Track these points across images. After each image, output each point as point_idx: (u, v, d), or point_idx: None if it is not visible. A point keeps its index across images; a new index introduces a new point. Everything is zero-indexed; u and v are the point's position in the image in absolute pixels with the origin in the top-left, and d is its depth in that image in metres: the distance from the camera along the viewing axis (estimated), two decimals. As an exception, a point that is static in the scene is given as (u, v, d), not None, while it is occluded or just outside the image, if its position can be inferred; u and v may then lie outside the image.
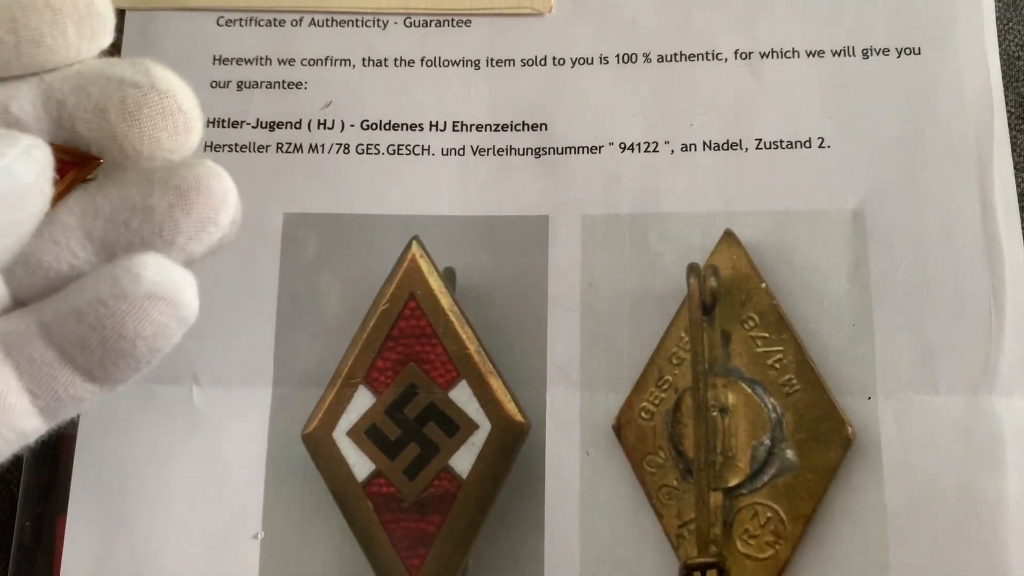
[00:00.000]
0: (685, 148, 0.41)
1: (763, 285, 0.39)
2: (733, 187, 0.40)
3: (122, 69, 0.24)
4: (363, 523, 0.39)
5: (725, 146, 0.41)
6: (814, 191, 0.40)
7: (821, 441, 0.37)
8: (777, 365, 0.38)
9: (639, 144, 0.41)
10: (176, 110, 0.24)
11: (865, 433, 0.37)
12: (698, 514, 0.37)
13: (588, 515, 0.38)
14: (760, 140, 0.40)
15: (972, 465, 0.36)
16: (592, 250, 0.40)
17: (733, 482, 0.37)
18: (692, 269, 0.39)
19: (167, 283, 0.23)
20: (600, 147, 0.41)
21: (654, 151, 0.41)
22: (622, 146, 0.41)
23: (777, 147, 0.40)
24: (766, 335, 0.38)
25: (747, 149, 0.40)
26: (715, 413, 0.38)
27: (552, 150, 0.41)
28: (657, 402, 0.39)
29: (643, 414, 0.39)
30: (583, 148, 0.41)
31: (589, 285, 0.40)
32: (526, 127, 0.42)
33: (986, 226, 0.38)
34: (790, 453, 0.37)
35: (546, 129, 0.41)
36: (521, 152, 0.41)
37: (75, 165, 0.23)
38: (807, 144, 0.40)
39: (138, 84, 0.24)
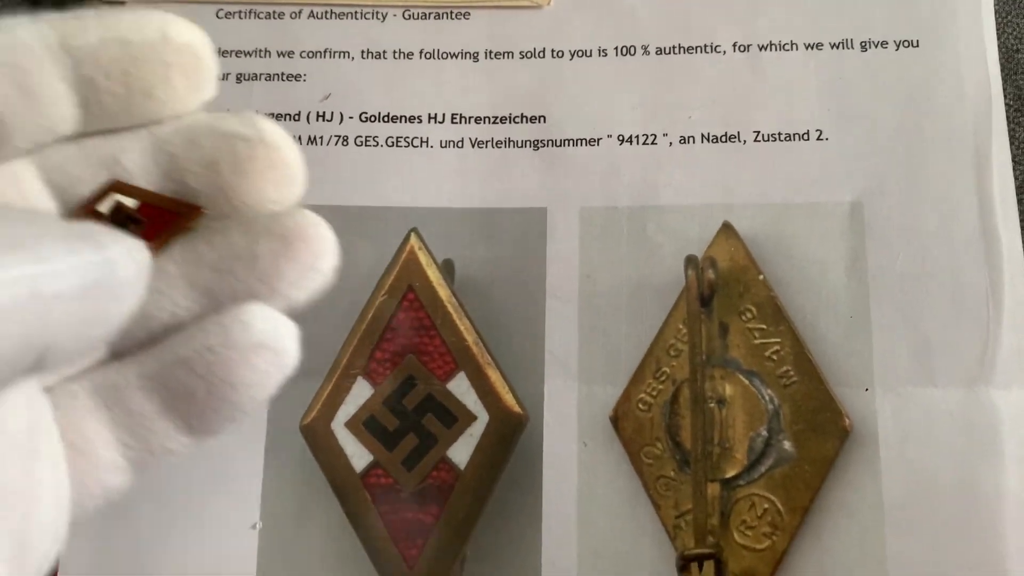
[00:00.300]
0: (683, 140, 0.41)
1: (761, 277, 0.39)
2: (731, 179, 0.40)
3: (231, 123, 0.24)
4: (361, 514, 0.39)
5: (723, 138, 0.41)
6: (812, 184, 0.40)
7: (818, 433, 0.37)
8: (775, 357, 0.38)
9: (638, 136, 0.41)
10: (282, 163, 0.24)
11: (862, 425, 0.37)
12: (695, 505, 0.37)
13: (586, 506, 0.38)
14: (758, 132, 0.41)
15: (970, 457, 0.36)
16: (590, 242, 0.40)
17: (730, 473, 0.37)
18: (690, 261, 0.39)
19: (273, 332, 0.23)
20: (599, 139, 0.41)
21: (652, 143, 0.41)
22: (620, 138, 0.41)
23: (775, 139, 0.40)
24: (764, 327, 0.38)
25: (745, 141, 0.40)
26: (712, 404, 0.38)
27: (551, 142, 0.41)
28: (655, 394, 0.39)
29: (641, 405, 0.39)
30: (582, 140, 0.41)
31: (587, 277, 0.40)
32: (525, 119, 0.42)
33: (984, 219, 0.38)
34: (787, 444, 0.37)
35: (545, 121, 0.41)
36: (520, 144, 0.41)
37: (179, 215, 0.24)
38: (805, 137, 0.40)
39: (247, 138, 0.24)
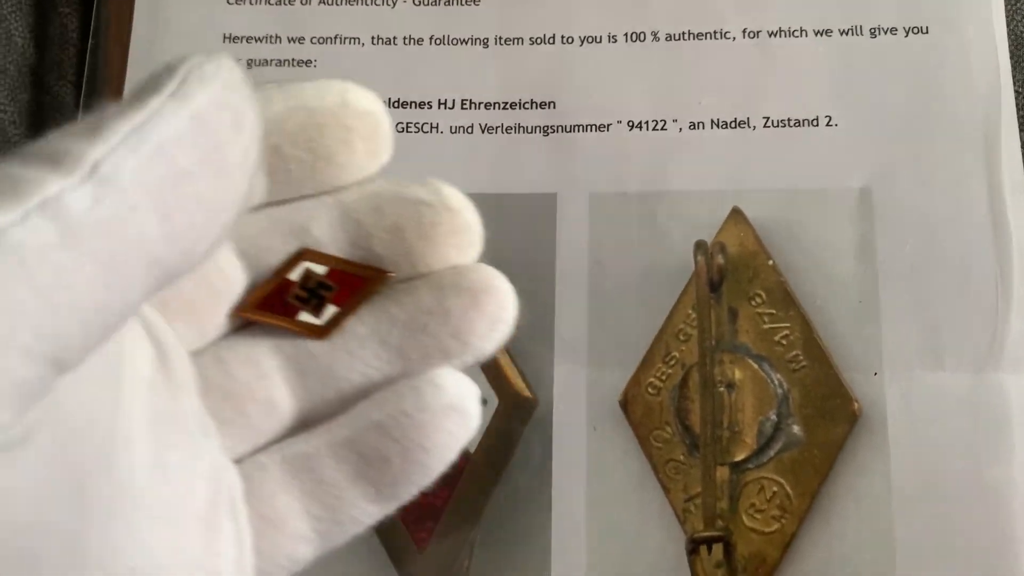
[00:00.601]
0: (693, 126, 0.41)
1: (770, 262, 0.39)
2: (741, 165, 0.40)
3: (416, 190, 0.25)
4: (371, 497, 0.39)
5: (733, 124, 0.41)
6: (821, 169, 0.40)
7: (827, 417, 0.37)
8: (784, 341, 0.38)
9: (647, 122, 0.41)
10: (465, 228, 0.25)
11: (871, 409, 0.37)
12: (704, 488, 0.37)
13: (595, 490, 0.38)
14: (768, 119, 0.41)
15: (978, 441, 0.37)
16: (600, 227, 0.40)
17: (739, 457, 0.38)
18: (699, 246, 0.39)
19: (463, 395, 0.24)
20: (608, 125, 0.41)
21: (662, 129, 0.41)
22: (630, 124, 0.41)
23: (785, 125, 0.40)
24: (773, 312, 0.39)
25: (755, 127, 0.41)
26: (722, 389, 0.38)
27: (560, 128, 0.41)
28: (664, 378, 0.39)
29: (650, 390, 0.39)
30: (591, 126, 0.41)
31: (597, 262, 0.40)
32: (534, 105, 0.42)
33: (993, 204, 0.39)
34: (796, 428, 0.38)
35: (554, 107, 0.42)
36: (529, 130, 0.41)
37: (368, 279, 0.24)
38: (814, 123, 0.40)
39: (431, 203, 0.24)
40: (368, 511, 0.24)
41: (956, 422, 0.37)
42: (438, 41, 0.43)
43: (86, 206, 0.18)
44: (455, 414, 0.24)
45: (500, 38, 0.43)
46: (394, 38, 0.43)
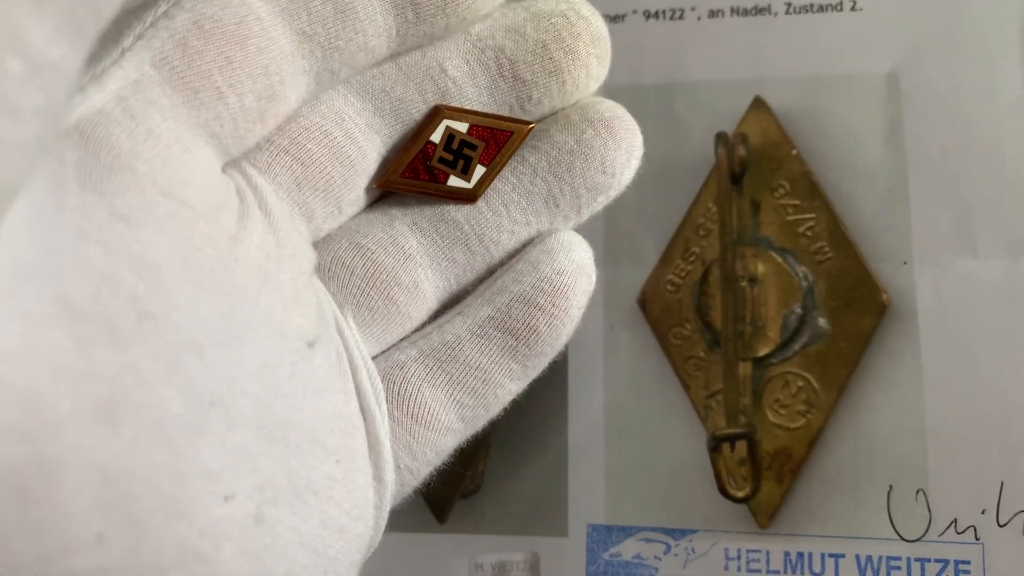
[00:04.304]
0: (712, 14, 0.39)
1: (794, 152, 0.37)
2: (762, 53, 0.39)
3: (543, 3, 0.24)
4: (383, 400, 0.38)
5: (753, 11, 0.39)
6: (846, 55, 0.38)
7: (855, 308, 0.36)
8: (809, 233, 0.37)
9: (664, 11, 0.39)
10: (600, 35, 0.24)
11: (901, 299, 0.36)
12: (726, 384, 0.36)
13: (612, 388, 0.37)
14: (790, 4, 0.39)
15: (1012, 328, 0.35)
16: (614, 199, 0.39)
17: (763, 352, 0.36)
18: (720, 138, 0.37)
19: (588, 254, 0.24)
20: (623, 16, 0.40)
21: (680, 18, 0.39)
22: (647, 14, 0.39)
23: (807, 11, 0.39)
24: (797, 202, 0.37)
25: (776, 14, 0.39)
26: (744, 283, 0.37)
27: (573, 20, 0.40)
28: (683, 275, 0.38)
29: (669, 287, 0.38)
30: (606, 17, 0.39)
31: (613, 157, 0.39)
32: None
33: (1028, 84, 0.37)
34: (822, 321, 0.36)
35: (567, -2, 0.40)
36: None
37: (510, 132, 0.24)
38: (838, 7, 0.39)
39: (565, 14, 0.24)
40: (510, 389, 0.24)
41: (989, 309, 0.35)
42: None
43: None
44: (584, 274, 0.24)
45: (510, -70, 0.41)
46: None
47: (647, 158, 0.38)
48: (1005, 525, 0.34)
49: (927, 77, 0.37)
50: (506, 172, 0.24)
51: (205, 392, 0.19)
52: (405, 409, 0.23)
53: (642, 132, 0.38)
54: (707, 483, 0.36)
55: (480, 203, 0.24)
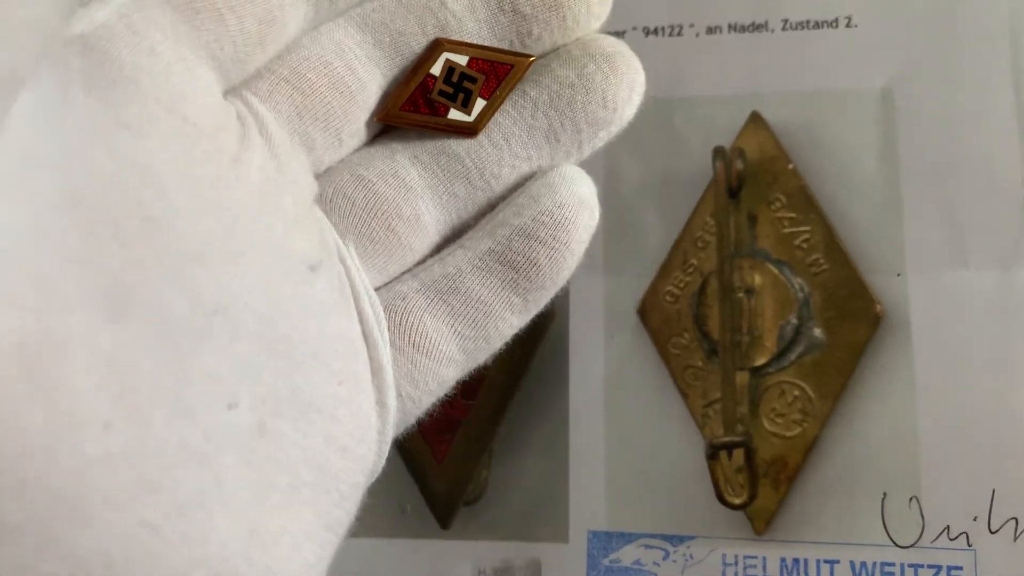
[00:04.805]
0: (710, 31, 0.40)
1: (790, 166, 0.38)
2: (759, 69, 0.39)
3: None
4: (388, 408, 0.39)
5: (751, 28, 0.40)
6: (842, 71, 0.39)
7: (850, 319, 0.37)
8: (804, 245, 0.38)
9: (663, 28, 0.40)
10: None
11: (895, 310, 0.37)
12: (724, 393, 0.37)
13: (613, 397, 0.38)
14: (786, 21, 0.40)
15: (1004, 338, 0.36)
16: (616, 135, 0.40)
17: (759, 361, 0.37)
18: (718, 152, 0.38)
19: (590, 188, 0.24)
20: (623, 32, 0.40)
21: (678, 35, 0.40)
22: (646, 30, 0.40)
23: (804, 28, 0.39)
24: (793, 215, 0.38)
25: (773, 31, 0.40)
26: (741, 294, 0.37)
27: (574, 36, 0.41)
28: (682, 286, 0.38)
29: (668, 297, 0.38)
30: (606, 32, 0.40)
31: (612, 170, 0.39)
32: (548, 13, 0.41)
33: (1019, 100, 0.37)
34: (818, 332, 0.37)
35: (568, 15, 0.41)
36: (543, 39, 0.41)
37: (511, 65, 0.23)
38: (834, 24, 0.39)
39: None
40: (511, 322, 0.24)
41: (981, 320, 0.36)
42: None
43: None
44: (586, 208, 0.23)
45: (512, -52, 0.42)
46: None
47: (648, 172, 0.39)
48: (997, 532, 0.35)
49: (921, 93, 0.38)
50: (507, 106, 0.24)
51: (209, 300, 0.19)
52: (407, 338, 0.23)
53: (642, 145, 0.39)
54: (705, 490, 0.37)
55: (481, 137, 0.23)
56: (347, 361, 0.22)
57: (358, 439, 0.22)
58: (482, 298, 0.23)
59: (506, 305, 0.23)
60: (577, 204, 0.23)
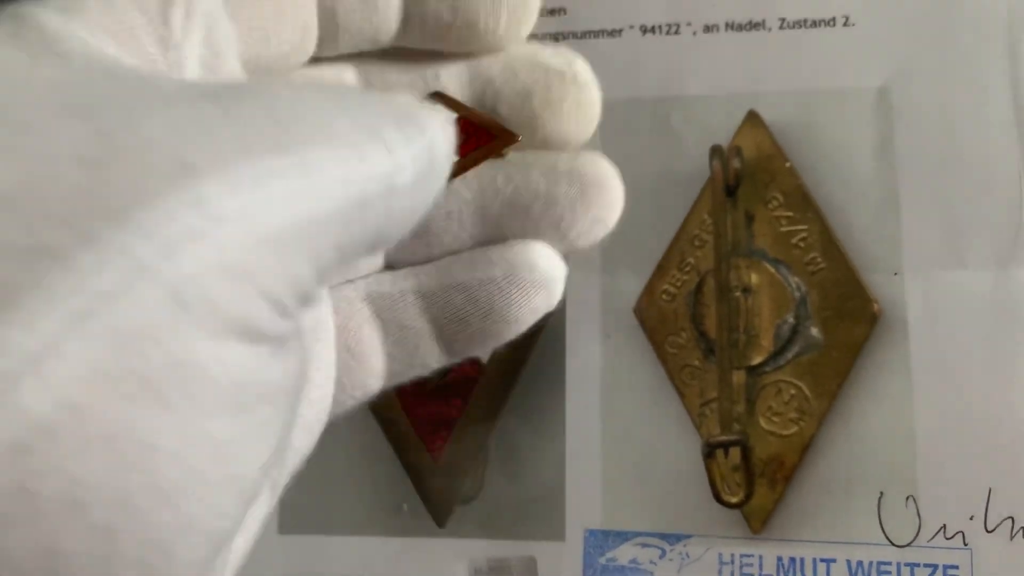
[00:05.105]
0: (708, 29, 0.40)
1: (788, 165, 0.38)
2: (757, 68, 0.39)
3: (549, 57, 0.24)
4: (385, 407, 0.39)
5: (748, 27, 0.40)
6: (839, 70, 0.39)
7: (847, 318, 0.37)
8: (801, 244, 0.38)
9: (660, 26, 0.40)
10: (589, 103, 0.24)
11: (892, 309, 0.37)
12: (721, 392, 0.37)
13: (609, 396, 0.38)
14: (783, 20, 0.40)
15: (1000, 337, 0.36)
16: (613, 134, 0.39)
17: (756, 360, 0.37)
18: (715, 151, 0.38)
19: (553, 274, 0.23)
20: (620, 31, 0.40)
21: (676, 33, 0.40)
22: (643, 29, 0.40)
23: (801, 26, 0.39)
24: (790, 214, 0.38)
25: (770, 29, 0.40)
26: (738, 293, 0.37)
27: (571, 34, 0.41)
28: (679, 284, 0.38)
29: (664, 296, 0.38)
30: (603, 32, 0.40)
31: (610, 169, 0.39)
32: (545, 12, 0.41)
33: (1016, 99, 0.37)
34: (815, 331, 0.37)
35: (565, 13, 0.41)
36: (540, 37, 0.41)
37: (495, 137, 0.23)
38: (831, 23, 0.39)
39: (562, 73, 0.24)
40: (438, 361, 0.24)
41: (978, 319, 0.36)
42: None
43: None
44: (543, 292, 0.23)
45: (510, -54, 0.42)
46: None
47: (644, 171, 0.39)
48: (993, 531, 0.35)
49: (917, 92, 0.38)
50: (473, 183, 0.24)
51: None
52: (344, 341, 0.23)
53: (639, 145, 0.39)
54: (702, 489, 0.37)
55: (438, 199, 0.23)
56: None
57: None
58: (416, 330, 0.23)
59: (434, 345, 0.24)
60: (532, 284, 0.23)
